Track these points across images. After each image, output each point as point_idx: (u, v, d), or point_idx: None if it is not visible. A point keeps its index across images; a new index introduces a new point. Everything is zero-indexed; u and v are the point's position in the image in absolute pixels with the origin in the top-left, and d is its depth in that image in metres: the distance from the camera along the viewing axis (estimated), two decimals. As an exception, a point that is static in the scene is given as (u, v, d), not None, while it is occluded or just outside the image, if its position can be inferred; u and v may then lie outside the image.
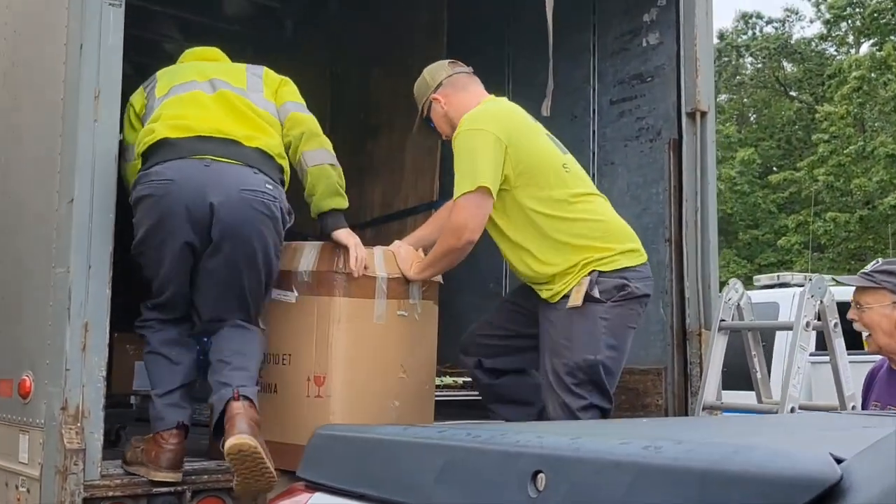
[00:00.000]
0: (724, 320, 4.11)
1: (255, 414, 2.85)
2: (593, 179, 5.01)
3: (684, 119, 4.58)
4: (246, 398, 2.85)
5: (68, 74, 2.89)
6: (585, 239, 3.33)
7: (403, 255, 3.36)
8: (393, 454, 1.53)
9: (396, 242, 3.49)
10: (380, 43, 6.15)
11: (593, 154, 5.08)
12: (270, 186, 3.06)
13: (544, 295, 3.36)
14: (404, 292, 3.31)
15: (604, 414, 3.27)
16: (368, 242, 3.42)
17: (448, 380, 4.25)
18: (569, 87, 5.21)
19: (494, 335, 3.65)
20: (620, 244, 3.43)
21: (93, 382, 2.81)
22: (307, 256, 3.23)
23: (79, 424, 2.77)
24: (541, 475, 1.28)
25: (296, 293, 3.21)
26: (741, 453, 1.11)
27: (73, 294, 2.79)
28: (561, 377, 3.21)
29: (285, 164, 3.24)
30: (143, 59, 5.67)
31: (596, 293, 3.23)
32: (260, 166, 3.08)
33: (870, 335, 3.31)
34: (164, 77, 3.26)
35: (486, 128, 3.28)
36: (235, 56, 3.65)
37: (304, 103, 3.42)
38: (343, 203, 3.29)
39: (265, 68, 3.50)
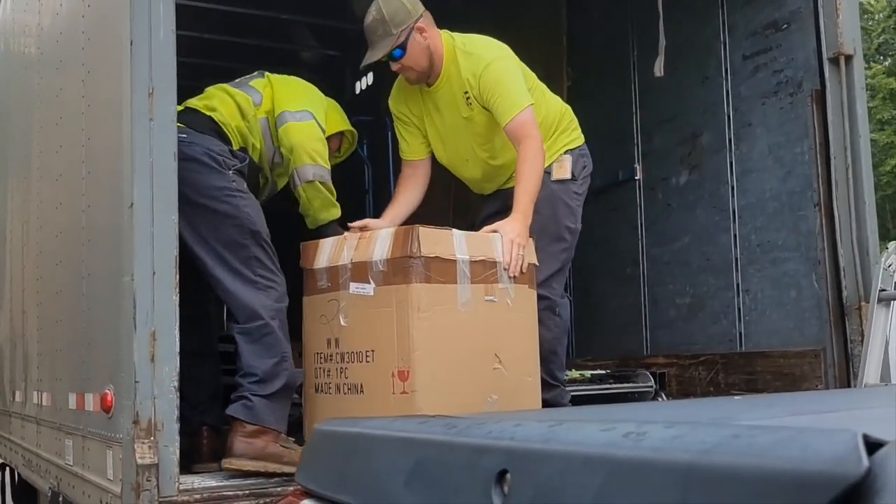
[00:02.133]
0: (884, 290, 3.57)
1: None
2: (729, 144, 4.59)
3: (827, 66, 4.07)
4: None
5: (122, 72, 2.78)
6: (552, 119, 3.60)
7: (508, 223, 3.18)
8: (369, 453, 1.26)
9: (372, 221, 3.50)
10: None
11: (728, 117, 4.62)
12: (184, 135, 3.05)
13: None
14: (491, 276, 3.01)
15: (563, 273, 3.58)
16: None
17: (574, 373, 3.90)
18: (697, 46, 4.78)
19: None
20: (574, 123, 3.73)
21: (164, 394, 2.67)
22: (381, 244, 3.00)
23: (152, 438, 2.64)
24: (507, 475, 0.97)
25: (373, 284, 2.98)
26: (743, 437, 0.77)
27: (138, 302, 2.67)
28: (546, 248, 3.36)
29: (221, 116, 3.38)
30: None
31: (569, 175, 3.54)
32: (181, 121, 3.08)
33: None
34: None
35: (511, 53, 3.49)
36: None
37: (306, 108, 3.50)
38: (337, 213, 3.52)
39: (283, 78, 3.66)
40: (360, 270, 3.03)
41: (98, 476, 3.01)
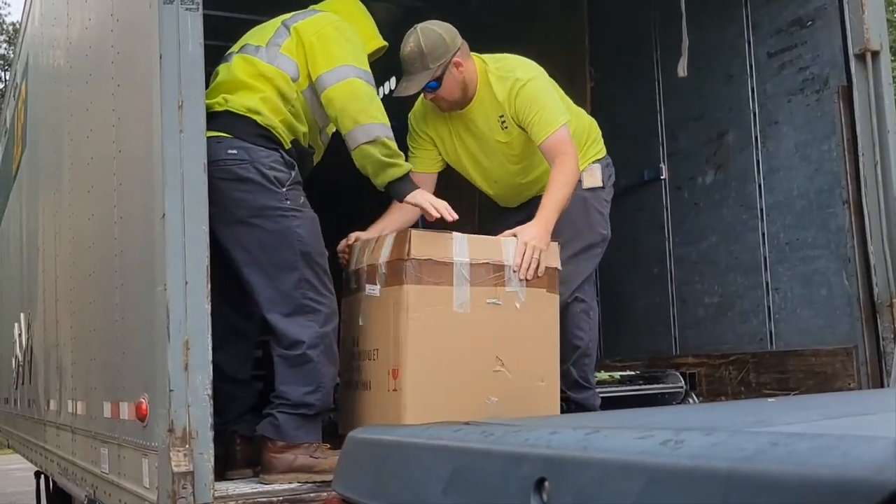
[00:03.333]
0: (916, 286, 3.55)
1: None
2: (756, 143, 4.57)
3: (853, 62, 4.04)
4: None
5: (152, 85, 2.82)
6: (582, 132, 3.67)
7: (528, 231, 3.20)
8: (405, 460, 1.27)
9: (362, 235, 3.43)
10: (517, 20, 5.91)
11: (754, 115, 4.60)
12: (234, 151, 3.05)
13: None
14: (496, 279, 3.05)
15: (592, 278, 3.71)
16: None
17: (603, 374, 3.90)
18: (721, 45, 4.76)
19: None
20: (595, 132, 3.83)
21: (198, 402, 2.70)
22: (387, 247, 3.09)
23: (187, 446, 2.67)
24: (546, 483, 0.98)
25: (378, 286, 3.08)
26: (782, 445, 0.78)
27: (172, 311, 2.70)
28: (575, 253, 3.48)
29: (266, 118, 3.16)
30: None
31: (601, 183, 3.67)
32: (227, 130, 3.08)
33: None
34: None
35: (544, 72, 3.55)
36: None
37: (340, 63, 3.18)
38: (398, 172, 3.16)
39: (311, 17, 3.34)
40: (372, 273, 3.13)
41: (134, 484, 3.05)
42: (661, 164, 5.16)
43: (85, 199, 4.07)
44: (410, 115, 3.78)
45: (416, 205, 3.20)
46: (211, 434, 2.72)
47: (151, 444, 2.83)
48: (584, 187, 3.60)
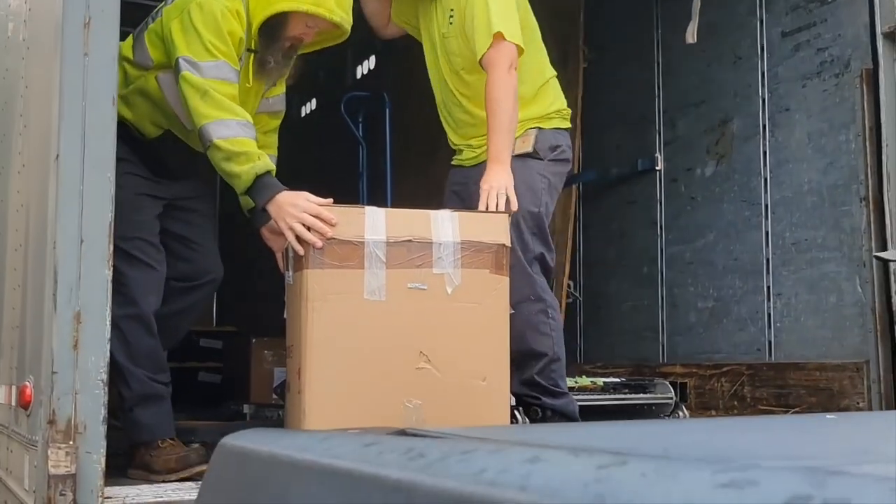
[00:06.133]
0: (946, 295, 3.10)
1: None
2: (764, 131, 4.13)
3: (881, 42, 3.59)
4: None
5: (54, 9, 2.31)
6: (531, 94, 3.20)
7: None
8: (283, 483, 0.79)
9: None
10: None
11: (763, 101, 4.15)
12: None
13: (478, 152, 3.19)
14: (422, 259, 2.56)
15: (548, 269, 3.18)
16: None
17: (585, 380, 3.42)
18: (730, 23, 4.31)
19: None
20: (557, 103, 3.31)
21: (89, 389, 2.19)
22: None
23: (71, 443, 2.16)
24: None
25: (291, 272, 2.66)
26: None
27: (60, 276, 2.19)
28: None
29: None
30: None
31: (535, 149, 3.15)
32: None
33: None
34: None
35: None
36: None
37: (176, 56, 2.72)
38: (240, 181, 2.67)
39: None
40: (285, 256, 2.74)
41: (17, 484, 2.54)
42: (657, 154, 4.71)
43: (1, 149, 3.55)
44: (392, 12, 3.41)
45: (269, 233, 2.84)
46: (103, 429, 2.22)
47: (34, 437, 2.32)
48: (514, 153, 3.07)
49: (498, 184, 2.80)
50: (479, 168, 3.08)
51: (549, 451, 0.62)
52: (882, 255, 3.04)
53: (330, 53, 7.81)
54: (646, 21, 4.81)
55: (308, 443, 0.87)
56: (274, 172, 2.69)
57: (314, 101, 8.08)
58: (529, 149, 3.12)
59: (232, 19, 2.74)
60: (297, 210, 2.54)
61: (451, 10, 3.11)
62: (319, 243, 2.50)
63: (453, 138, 3.36)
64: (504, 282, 2.65)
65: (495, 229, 2.66)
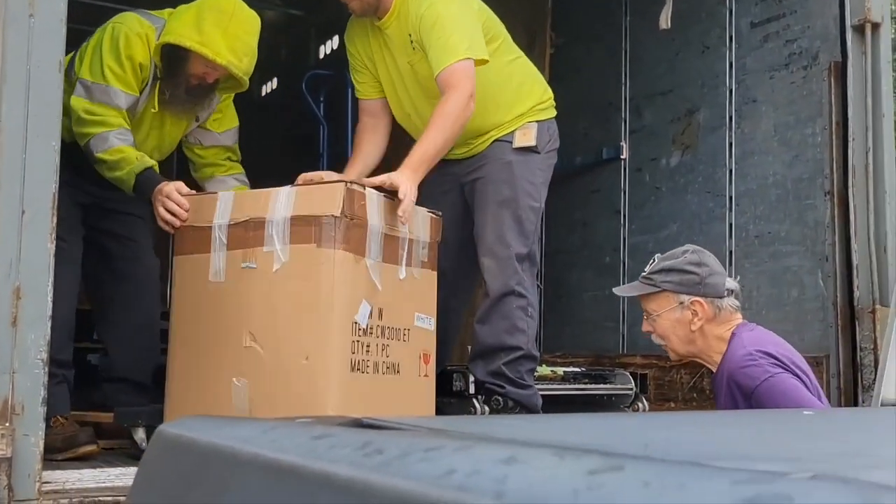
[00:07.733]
0: (908, 290, 3.09)
1: None
2: (730, 122, 4.09)
3: (850, 35, 3.57)
4: None
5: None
6: (522, 81, 3.18)
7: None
8: (223, 481, 0.71)
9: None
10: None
11: (730, 92, 4.12)
12: None
13: (482, 143, 3.10)
14: (253, 238, 2.49)
15: (534, 266, 3.15)
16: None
17: (545, 369, 3.36)
18: (698, 12, 4.27)
19: None
20: (547, 93, 3.26)
21: (27, 368, 2.09)
22: None
23: (7, 424, 2.06)
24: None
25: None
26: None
27: (0, 249, 2.08)
28: (504, 225, 2.97)
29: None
30: None
31: (536, 142, 3.09)
32: None
33: (667, 345, 2.79)
34: None
35: None
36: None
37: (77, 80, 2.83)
38: (126, 184, 2.83)
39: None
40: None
41: (-50, 467, 2.41)
42: (622, 143, 4.67)
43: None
44: (346, 38, 3.24)
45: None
46: (42, 410, 2.12)
47: (-31, 418, 2.20)
48: (514, 146, 3.05)
49: (404, 186, 2.61)
50: (476, 158, 3.08)
51: (528, 451, 0.55)
52: (616, 290, 3.10)
53: (293, 32, 7.68)
54: (614, 7, 4.75)
55: (252, 433, 0.79)
56: (157, 169, 2.81)
57: (275, 79, 7.94)
58: (532, 142, 3.07)
59: (137, 44, 2.83)
60: (161, 196, 2.68)
61: (409, 34, 2.97)
62: (171, 229, 2.66)
63: None
64: (331, 255, 2.44)
65: (328, 201, 2.47)
